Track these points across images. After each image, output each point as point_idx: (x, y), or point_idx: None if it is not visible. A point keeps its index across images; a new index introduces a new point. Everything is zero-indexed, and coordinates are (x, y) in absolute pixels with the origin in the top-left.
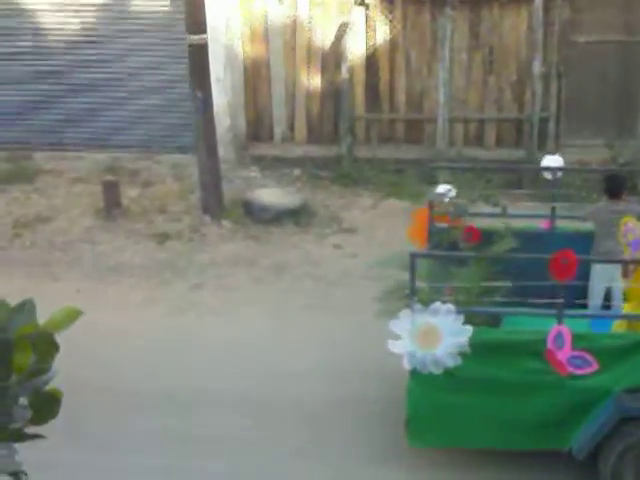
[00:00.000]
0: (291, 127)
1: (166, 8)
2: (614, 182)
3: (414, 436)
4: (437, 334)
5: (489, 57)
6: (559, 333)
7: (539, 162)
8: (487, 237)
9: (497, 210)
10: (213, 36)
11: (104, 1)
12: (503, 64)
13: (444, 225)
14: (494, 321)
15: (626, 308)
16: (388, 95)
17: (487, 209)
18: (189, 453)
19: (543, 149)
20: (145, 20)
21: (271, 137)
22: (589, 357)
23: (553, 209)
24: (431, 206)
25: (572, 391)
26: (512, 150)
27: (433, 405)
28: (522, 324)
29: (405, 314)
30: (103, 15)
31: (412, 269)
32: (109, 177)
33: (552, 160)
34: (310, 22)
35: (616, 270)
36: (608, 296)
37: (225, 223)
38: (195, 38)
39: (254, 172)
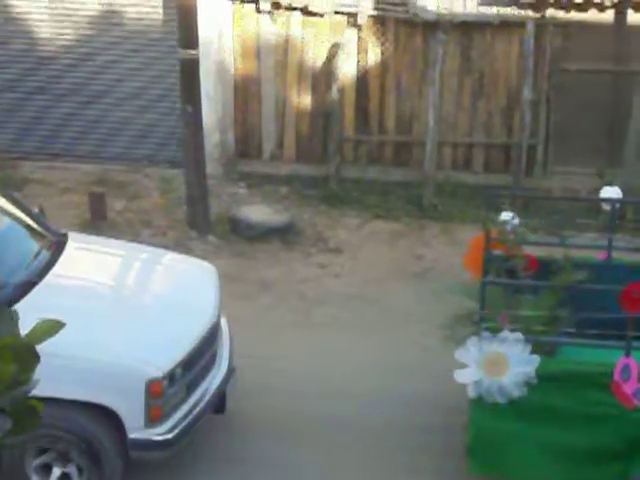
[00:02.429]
0: (280, 145)
1: (158, 22)
2: None
3: (474, 464)
4: (504, 363)
5: (479, 82)
6: (626, 365)
7: (527, 189)
8: (544, 267)
9: (554, 239)
10: (205, 51)
11: (96, 13)
12: (493, 89)
13: (500, 253)
14: (549, 351)
15: None
16: (377, 117)
17: (544, 238)
18: None
19: (531, 175)
20: (136, 33)
21: (260, 154)
22: None
23: (610, 240)
24: (487, 234)
25: (637, 424)
26: (500, 175)
27: (495, 434)
28: (578, 355)
29: (473, 342)
30: (94, 27)
31: (482, 296)
32: (96, 189)
33: (611, 192)
34: (302, 41)
35: None
36: None
37: (211, 239)
38: (186, 53)
39: (242, 188)
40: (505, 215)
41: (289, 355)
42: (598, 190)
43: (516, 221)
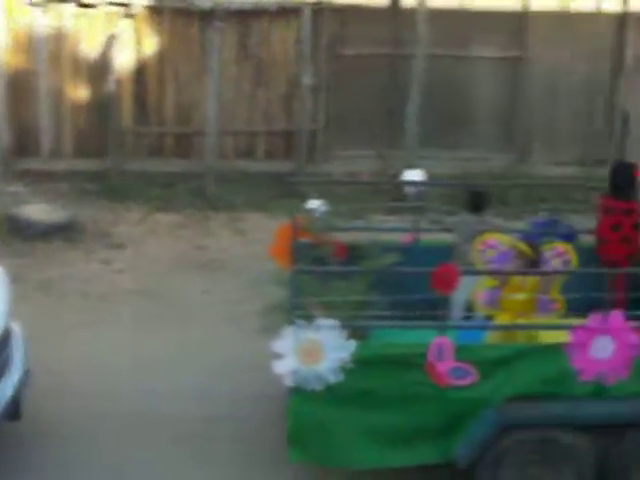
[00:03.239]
0: (58, 140)
1: None
2: (477, 197)
3: (295, 452)
4: (320, 350)
5: (258, 69)
6: (441, 345)
7: (309, 174)
8: (353, 252)
9: (363, 224)
10: None
11: None
12: (272, 76)
13: (308, 241)
14: (363, 335)
15: (502, 318)
16: (156, 108)
17: (350, 224)
18: None
19: (312, 161)
20: None
21: (38, 151)
22: (470, 368)
23: (416, 223)
24: (294, 222)
25: (453, 402)
26: (282, 162)
27: (314, 422)
28: (393, 337)
29: (287, 331)
30: None
31: (294, 285)
32: None
33: (413, 174)
34: (77, 33)
35: (474, 281)
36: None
37: None
38: None
39: (19, 187)
40: (312, 203)
41: (78, 356)
42: (380, 173)
43: (324, 208)
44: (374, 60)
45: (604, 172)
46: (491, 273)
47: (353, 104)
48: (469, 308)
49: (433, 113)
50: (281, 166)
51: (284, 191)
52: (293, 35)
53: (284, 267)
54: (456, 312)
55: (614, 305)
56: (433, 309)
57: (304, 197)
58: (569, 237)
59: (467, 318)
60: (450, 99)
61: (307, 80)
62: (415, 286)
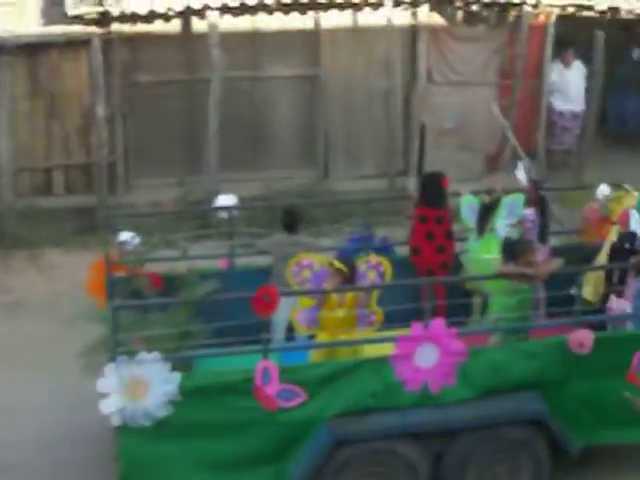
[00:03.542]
0: None
1: None
2: (291, 216)
3: None
4: (145, 385)
5: (52, 103)
6: (266, 368)
7: (111, 206)
8: (169, 282)
9: (177, 254)
10: None
11: None
12: (66, 109)
13: (123, 274)
14: (187, 366)
15: (323, 337)
16: None
17: (167, 254)
18: None
19: (114, 193)
20: None
21: None
22: (297, 389)
23: (232, 248)
24: (107, 256)
25: (283, 424)
26: (83, 196)
27: (146, 459)
28: (219, 365)
29: (110, 369)
30: None
31: (115, 321)
32: None
33: (226, 200)
34: None
35: (294, 302)
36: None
37: None
38: None
39: None
40: (124, 235)
41: None
42: (181, 200)
43: (136, 240)
44: (170, 86)
45: (404, 183)
46: (309, 293)
47: (152, 132)
48: (290, 329)
49: (233, 136)
50: (81, 200)
51: (85, 226)
52: (84, 66)
53: (100, 303)
54: (278, 334)
55: (432, 314)
56: (255, 333)
57: (107, 230)
58: (386, 250)
59: (289, 339)
60: (249, 121)
61: (101, 111)
62: (236, 311)
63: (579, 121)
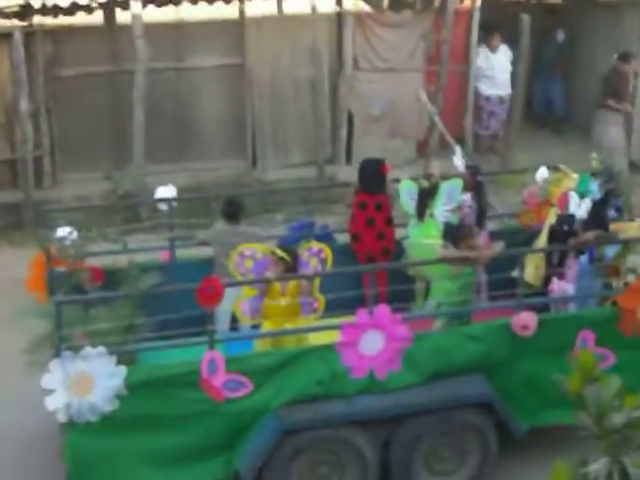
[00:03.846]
0: None
1: None
2: (232, 206)
3: None
4: (91, 380)
5: None
6: (212, 359)
7: (39, 202)
8: (110, 276)
9: (117, 247)
10: None
11: None
12: None
13: (63, 269)
14: (131, 360)
15: (267, 325)
16: None
17: (106, 247)
18: None
19: (40, 188)
20: None
21: None
22: (243, 379)
23: (172, 240)
24: (47, 252)
25: (230, 415)
26: (9, 192)
27: (93, 454)
28: (165, 358)
29: (55, 365)
30: None
31: (58, 317)
32: None
33: (165, 191)
34: None
35: (237, 293)
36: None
37: None
38: None
39: None
40: (62, 231)
41: None
42: (109, 194)
43: (74, 235)
44: (94, 79)
45: (333, 171)
46: (253, 283)
47: (77, 126)
48: (233, 320)
49: (159, 128)
50: (7, 196)
51: (12, 222)
52: (6, 60)
53: (41, 299)
54: (221, 325)
55: (375, 300)
56: (199, 325)
57: (44, 226)
58: (326, 237)
59: (233, 330)
60: (175, 112)
61: (24, 106)
62: (178, 304)
63: (506, 105)
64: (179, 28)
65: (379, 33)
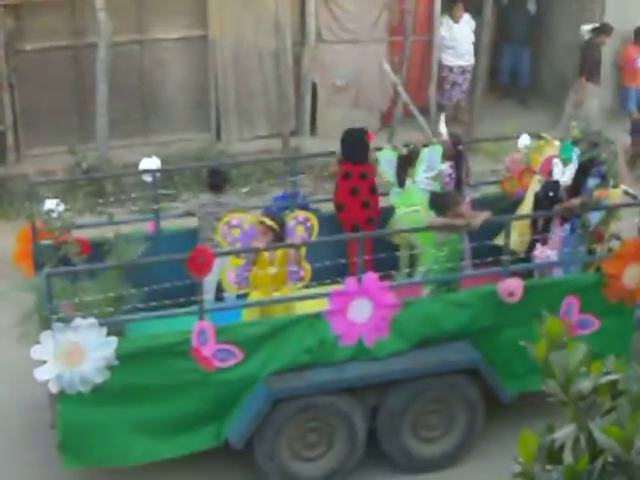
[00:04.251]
0: None
1: None
2: (216, 177)
3: (68, 458)
4: (81, 351)
5: None
6: (202, 329)
7: (3, 177)
8: (97, 247)
9: (103, 219)
10: None
11: None
12: None
13: (50, 242)
14: (119, 331)
15: (255, 295)
16: None
17: (91, 220)
18: None
19: (4, 163)
20: None
21: None
22: (233, 348)
23: (156, 211)
24: (33, 224)
25: (221, 384)
26: None
27: (83, 424)
28: (154, 328)
29: (46, 336)
30: None
31: (49, 289)
32: None
33: (150, 163)
34: None
35: (223, 263)
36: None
37: None
38: None
39: None
40: (50, 203)
41: None
42: (73, 168)
43: (61, 208)
44: (57, 53)
45: (298, 142)
46: (242, 252)
47: (41, 101)
48: (218, 289)
49: (123, 101)
50: None
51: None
52: None
53: (27, 271)
54: (207, 295)
55: (359, 269)
56: (185, 295)
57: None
58: (307, 208)
59: (218, 300)
60: (139, 85)
61: None
62: (165, 274)
63: (468, 75)
64: (141, 1)
65: (342, 4)
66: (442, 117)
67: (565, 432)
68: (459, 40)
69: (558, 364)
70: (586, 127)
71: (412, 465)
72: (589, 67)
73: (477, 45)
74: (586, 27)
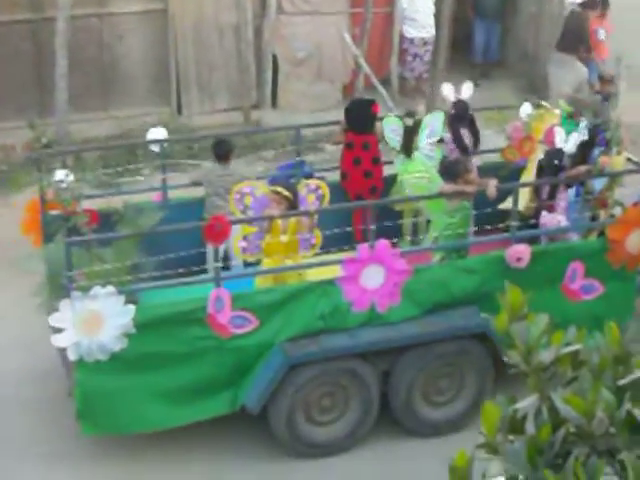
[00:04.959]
0: None
1: None
2: (222, 146)
3: (87, 425)
4: (100, 319)
5: None
6: (219, 296)
7: None
8: (105, 218)
9: (110, 190)
10: None
11: None
12: None
13: (58, 212)
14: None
15: (267, 263)
16: None
17: (99, 190)
18: None
19: None
20: None
21: None
22: (249, 315)
23: (164, 181)
24: (42, 195)
25: (236, 351)
26: None
27: (102, 392)
28: (159, 297)
29: (65, 304)
30: None
31: (68, 258)
32: None
33: (157, 133)
34: None
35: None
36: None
37: None
38: None
39: None
40: (59, 174)
41: None
42: (32, 142)
43: (70, 178)
44: (15, 27)
45: (259, 115)
46: (259, 219)
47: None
48: (225, 258)
49: (82, 76)
50: None
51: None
52: None
53: (36, 242)
54: (213, 263)
55: (365, 236)
56: (194, 264)
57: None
58: (310, 176)
59: (225, 269)
60: (99, 59)
61: None
62: (172, 243)
63: (430, 47)
64: None
65: None
66: (444, 84)
67: (527, 403)
68: (420, 12)
69: (519, 335)
70: (574, 99)
71: (422, 429)
72: (578, 41)
73: (438, 17)
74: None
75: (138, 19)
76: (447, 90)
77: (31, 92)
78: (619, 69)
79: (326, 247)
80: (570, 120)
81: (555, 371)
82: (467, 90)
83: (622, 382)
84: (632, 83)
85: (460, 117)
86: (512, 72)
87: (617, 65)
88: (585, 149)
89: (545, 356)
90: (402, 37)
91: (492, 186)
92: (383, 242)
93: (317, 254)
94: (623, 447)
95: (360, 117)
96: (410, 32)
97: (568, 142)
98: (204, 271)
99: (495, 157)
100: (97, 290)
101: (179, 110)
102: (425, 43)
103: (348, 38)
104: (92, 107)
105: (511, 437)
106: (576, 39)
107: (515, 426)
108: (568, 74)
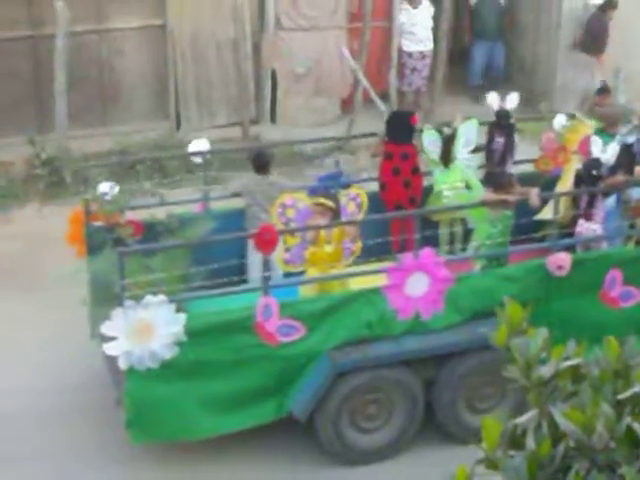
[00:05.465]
0: None
1: None
2: (260, 158)
3: (136, 434)
4: (151, 327)
5: None
6: (267, 305)
7: None
8: (149, 228)
9: (154, 200)
10: None
11: None
12: None
13: (101, 224)
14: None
15: (312, 272)
16: None
17: (142, 201)
18: None
19: None
20: None
21: None
22: (296, 323)
23: (206, 192)
24: (86, 206)
25: (284, 359)
26: None
27: (152, 400)
28: (207, 306)
29: (117, 313)
30: None
31: (121, 267)
32: None
33: (200, 144)
34: None
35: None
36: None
37: None
38: None
39: None
40: (104, 186)
41: None
42: (32, 158)
43: (116, 189)
44: (15, 44)
45: (258, 131)
46: (305, 230)
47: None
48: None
49: (81, 91)
50: None
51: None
52: None
53: (80, 253)
54: (254, 273)
55: (403, 246)
56: (236, 274)
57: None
58: (348, 186)
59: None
60: (98, 75)
61: None
62: (213, 253)
63: (427, 61)
64: None
65: None
66: (491, 94)
67: (527, 417)
68: (418, 26)
69: (519, 350)
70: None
71: (465, 435)
72: (597, 43)
73: (436, 31)
74: (593, 2)
75: (137, 35)
76: (492, 98)
77: (30, 108)
78: (618, 81)
79: (363, 257)
80: (603, 133)
81: (555, 386)
82: (512, 100)
83: (622, 396)
84: (631, 96)
85: (500, 126)
86: (511, 85)
87: (616, 77)
88: (623, 158)
89: (544, 370)
90: (400, 51)
91: (535, 195)
92: (428, 250)
93: (355, 263)
94: (623, 461)
95: (399, 128)
96: (408, 46)
97: (606, 152)
98: (244, 281)
99: (527, 167)
100: (149, 299)
101: (178, 125)
102: (423, 57)
103: (346, 52)
104: (91, 123)
105: (511, 452)
106: (597, 40)
107: (515, 441)
108: (581, 77)
